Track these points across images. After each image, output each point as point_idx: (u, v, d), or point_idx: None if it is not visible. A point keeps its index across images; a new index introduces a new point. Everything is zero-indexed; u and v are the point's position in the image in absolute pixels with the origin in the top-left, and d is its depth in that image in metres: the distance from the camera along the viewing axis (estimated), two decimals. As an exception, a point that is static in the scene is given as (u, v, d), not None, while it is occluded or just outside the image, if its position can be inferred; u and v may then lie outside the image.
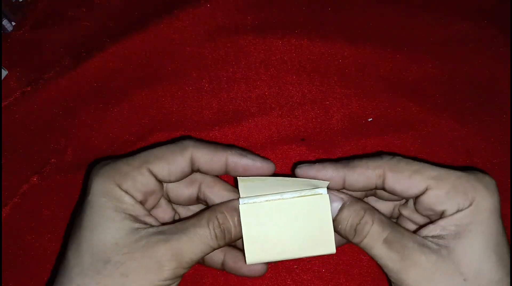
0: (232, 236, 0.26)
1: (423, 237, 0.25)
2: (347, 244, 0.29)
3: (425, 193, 0.25)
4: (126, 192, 0.26)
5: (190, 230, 0.25)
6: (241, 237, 0.26)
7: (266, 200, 0.27)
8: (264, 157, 0.28)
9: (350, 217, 0.26)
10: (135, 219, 0.25)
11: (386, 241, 0.25)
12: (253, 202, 0.27)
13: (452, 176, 0.25)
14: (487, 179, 0.25)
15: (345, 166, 0.27)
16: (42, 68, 0.36)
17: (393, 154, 0.27)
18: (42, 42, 0.37)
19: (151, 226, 0.25)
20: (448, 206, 0.25)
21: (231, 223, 0.26)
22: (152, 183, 0.27)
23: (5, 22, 0.37)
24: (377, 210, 0.26)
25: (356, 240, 0.26)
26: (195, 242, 0.25)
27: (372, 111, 0.35)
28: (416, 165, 0.26)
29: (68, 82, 0.36)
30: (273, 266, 0.32)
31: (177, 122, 0.35)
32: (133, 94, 0.36)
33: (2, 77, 0.36)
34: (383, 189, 0.27)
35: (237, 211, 0.26)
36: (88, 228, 0.25)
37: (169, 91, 0.36)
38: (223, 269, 0.29)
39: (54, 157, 0.34)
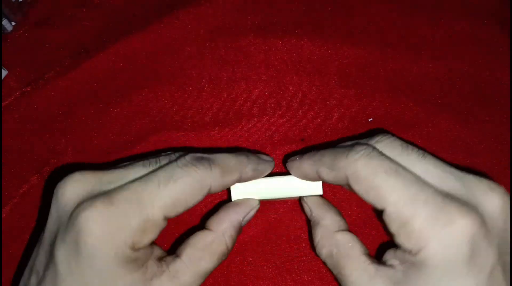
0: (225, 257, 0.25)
1: (387, 262, 0.23)
2: None
3: (383, 211, 0.22)
4: (134, 248, 0.21)
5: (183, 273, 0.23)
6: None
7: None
8: (265, 156, 0.28)
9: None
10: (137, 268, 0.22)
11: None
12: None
13: (409, 203, 0.21)
14: (460, 221, 0.20)
15: (317, 162, 0.25)
16: (42, 68, 0.36)
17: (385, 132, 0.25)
18: (42, 42, 0.37)
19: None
20: (400, 236, 0.21)
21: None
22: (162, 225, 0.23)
23: (5, 22, 0.37)
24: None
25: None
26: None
27: (372, 111, 0.35)
28: (378, 180, 0.22)
29: (68, 82, 0.36)
30: (274, 266, 0.32)
31: (177, 122, 0.35)
32: (133, 94, 0.36)
33: (2, 77, 0.36)
34: None
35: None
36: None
37: (169, 91, 0.36)
38: None
39: (54, 157, 0.34)
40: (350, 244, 0.24)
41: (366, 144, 0.24)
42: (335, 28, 0.37)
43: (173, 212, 0.22)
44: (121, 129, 0.35)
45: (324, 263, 0.25)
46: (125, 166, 0.24)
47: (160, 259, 0.23)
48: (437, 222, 0.20)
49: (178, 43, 0.37)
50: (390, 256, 0.23)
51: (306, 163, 0.26)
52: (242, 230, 0.27)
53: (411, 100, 0.35)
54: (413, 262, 0.21)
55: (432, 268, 0.20)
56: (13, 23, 0.38)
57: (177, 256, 0.24)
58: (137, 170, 0.23)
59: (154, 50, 0.37)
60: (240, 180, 0.26)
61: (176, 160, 0.24)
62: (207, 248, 0.24)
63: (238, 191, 0.26)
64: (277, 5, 0.38)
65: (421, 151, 0.23)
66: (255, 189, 0.26)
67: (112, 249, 0.21)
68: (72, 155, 0.34)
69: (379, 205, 0.22)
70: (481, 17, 0.38)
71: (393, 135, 0.25)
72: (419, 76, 0.36)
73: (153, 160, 0.24)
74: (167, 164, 0.23)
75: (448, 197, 0.21)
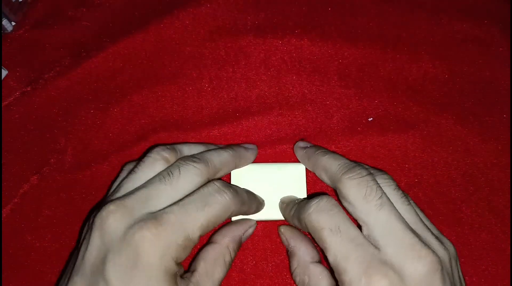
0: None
1: None
2: None
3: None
4: (177, 262, 0.25)
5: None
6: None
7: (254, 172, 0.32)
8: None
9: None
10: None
11: None
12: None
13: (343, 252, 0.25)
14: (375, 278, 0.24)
15: (290, 214, 0.29)
16: (42, 68, 0.36)
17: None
18: (42, 42, 0.37)
19: None
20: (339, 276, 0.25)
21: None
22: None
23: (5, 22, 0.37)
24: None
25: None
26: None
27: (372, 111, 0.35)
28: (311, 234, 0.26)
29: (68, 82, 0.36)
30: (274, 266, 0.32)
31: (177, 122, 0.35)
32: (133, 94, 0.36)
33: (2, 77, 0.36)
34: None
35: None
36: None
37: (169, 91, 0.36)
38: None
39: (54, 157, 0.34)
40: (320, 276, 0.27)
41: (321, 195, 0.27)
42: (335, 28, 0.37)
43: (207, 231, 0.26)
44: (121, 129, 0.35)
45: None
46: (152, 181, 0.27)
47: (182, 276, 0.26)
48: (360, 280, 0.23)
49: (178, 43, 0.37)
50: None
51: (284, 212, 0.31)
52: (241, 246, 0.30)
53: (411, 100, 0.35)
54: None
55: None
56: (13, 23, 0.38)
57: (194, 270, 0.27)
58: (164, 184, 0.26)
59: (154, 50, 0.37)
60: (246, 214, 0.30)
61: (207, 185, 0.27)
62: (216, 260, 0.28)
63: (237, 173, 0.31)
64: (277, 5, 0.38)
65: (379, 202, 0.25)
66: (252, 171, 0.32)
67: (163, 263, 0.24)
68: (72, 155, 0.34)
69: (325, 253, 0.25)
70: (481, 17, 0.38)
71: (368, 174, 0.26)
72: (419, 76, 0.36)
73: (174, 170, 0.27)
74: (198, 189, 0.27)
75: (377, 258, 0.24)
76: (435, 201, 0.33)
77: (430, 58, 0.37)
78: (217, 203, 0.26)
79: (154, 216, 0.24)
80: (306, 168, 0.32)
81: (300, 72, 0.36)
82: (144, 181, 0.27)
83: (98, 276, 0.23)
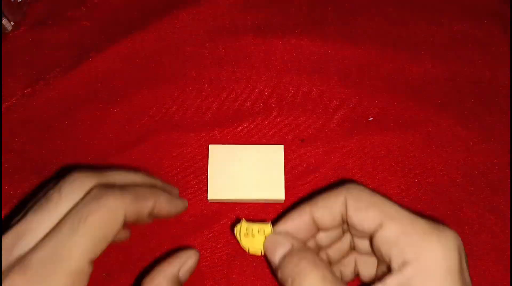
0: None
1: None
2: None
3: (377, 232, 0.22)
4: None
5: None
6: None
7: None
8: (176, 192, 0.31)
9: (290, 266, 0.23)
10: None
11: None
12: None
13: (406, 219, 0.22)
14: (447, 233, 0.21)
15: (308, 203, 0.25)
16: (42, 68, 0.36)
17: (357, 183, 0.25)
18: (42, 42, 0.37)
19: None
20: (394, 254, 0.21)
21: None
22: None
23: (4, 21, 0.37)
24: (323, 262, 0.23)
25: None
26: None
27: (372, 110, 0.35)
28: (376, 198, 0.23)
29: (68, 82, 0.36)
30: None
31: (177, 122, 0.35)
32: (133, 94, 0.36)
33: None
34: (347, 222, 0.24)
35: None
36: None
37: (169, 91, 0.36)
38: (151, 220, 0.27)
39: (54, 157, 0.34)
40: None
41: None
42: (335, 28, 0.37)
43: (96, 252, 0.22)
44: (121, 129, 0.35)
45: None
46: (27, 210, 0.22)
47: None
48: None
49: (178, 43, 0.37)
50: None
51: (296, 215, 0.25)
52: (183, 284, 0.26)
53: (411, 100, 0.35)
54: (406, 277, 0.20)
55: (425, 276, 0.20)
56: (12, 23, 0.37)
57: None
58: (41, 211, 0.22)
59: (154, 50, 0.37)
60: (156, 209, 0.25)
61: (83, 197, 0.22)
62: None
63: (215, 151, 0.31)
64: (277, 5, 0.38)
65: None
66: (230, 151, 0.31)
67: None
68: (72, 155, 0.34)
69: (372, 222, 0.22)
70: (481, 17, 0.38)
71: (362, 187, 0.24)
72: (419, 76, 0.36)
73: (54, 192, 0.22)
74: (75, 203, 0.22)
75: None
76: (435, 201, 0.33)
77: (430, 58, 0.37)
78: (94, 214, 0.21)
79: (21, 260, 0.20)
80: (284, 149, 0.32)
81: (300, 72, 0.36)
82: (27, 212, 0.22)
83: None
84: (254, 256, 0.32)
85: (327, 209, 0.24)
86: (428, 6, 0.38)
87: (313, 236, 0.25)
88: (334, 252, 0.26)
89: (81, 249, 0.21)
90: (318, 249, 0.26)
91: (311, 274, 0.22)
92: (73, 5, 0.39)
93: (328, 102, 0.35)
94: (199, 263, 0.31)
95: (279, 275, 0.23)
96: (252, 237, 0.25)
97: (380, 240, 0.22)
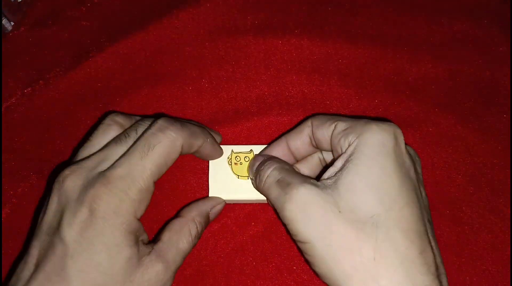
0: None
1: (321, 179, 0.25)
2: None
3: (332, 134, 0.27)
4: (136, 216, 0.25)
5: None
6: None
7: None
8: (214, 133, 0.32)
9: (260, 167, 0.28)
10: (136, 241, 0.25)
11: (278, 182, 0.26)
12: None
13: (354, 119, 0.26)
14: (386, 122, 0.25)
15: (284, 135, 0.30)
16: (42, 68, 0.36)
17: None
18: (42, 42, 0.37)
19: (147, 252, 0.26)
20: (342, 142, 0.26)
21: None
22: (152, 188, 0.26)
23: (4, 21, 0.37)
24: (283, 162, 0.28)
25: (260, 186, 0.28)
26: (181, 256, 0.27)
27: (372, 110, 0.35)
28: (334, 115, 0.28)
29: (68, 82, 0.36)
30: (274, 266, 0.32)
31: (177, 122, 0.35)
32: (133, 94, 0.36)
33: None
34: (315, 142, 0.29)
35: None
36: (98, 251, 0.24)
37: (169, 91, 0.36)
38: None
39: (54, 157, 0.34)
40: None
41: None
42: (335, 28, 0.37)
43: (159, 175, 0.26)
44: (121, 129, 0.35)
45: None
46: (108, 144, 0.27)
47: (147, 243, 0.26)
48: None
49: (178, 43, 0.37)
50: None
51: (276, 145, 0.31)
52: (209, 222, 0.30)
53: (411, 100, 0.35)
54: (350, 155, 0.25)
55: (367, 151, 0.24)
56: (12, 23, 0.37)
57: (159, 239, 0.27)
58: (120, 145, 0.26)
59: (154, 50, 0.37)
60: (201, 148, 0.29)
61: (150, 127, 0.27)
62: (181, 230, 0.28)
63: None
64: (277, 5, 0.38)
65: None
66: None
67: (118, 218, 0.24)
68: (72, 155, 0.34)
69: (330, 129, 0.27)
70: (481, 17, 0.38)
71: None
72: (419, 76, 0.36)
73: (131, 131, 0.27)
74: (144, 132, 0.27)
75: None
76: (435, 201, 0.33)
77: (430, 58, 0.37)
78: (161, 143, 0.26)
79: (103, 174, 0.25)
80: None
81: (300, 72, 0.36)
82: (99, 148, 0.27)
83: (55, 236, 0.24)
84: (254, 257, 0.32)
85: (297, 134, 0.29)
86: (428, 6, 0.38)
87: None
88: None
89: (148, 172, 0.25)
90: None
91: (272, 166, 0.27)
92: (73, 5, 0.39)
93: (328, 102, 0.35)
94: (199, 262, 0.31)
95: (257, 181, 0.28)
96: (240, 165, 0.31)
97: (333, 136, 0.26)
